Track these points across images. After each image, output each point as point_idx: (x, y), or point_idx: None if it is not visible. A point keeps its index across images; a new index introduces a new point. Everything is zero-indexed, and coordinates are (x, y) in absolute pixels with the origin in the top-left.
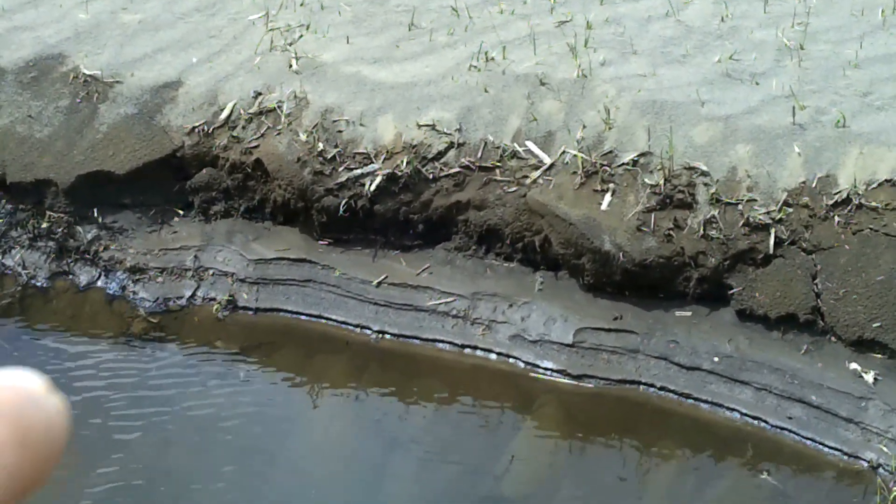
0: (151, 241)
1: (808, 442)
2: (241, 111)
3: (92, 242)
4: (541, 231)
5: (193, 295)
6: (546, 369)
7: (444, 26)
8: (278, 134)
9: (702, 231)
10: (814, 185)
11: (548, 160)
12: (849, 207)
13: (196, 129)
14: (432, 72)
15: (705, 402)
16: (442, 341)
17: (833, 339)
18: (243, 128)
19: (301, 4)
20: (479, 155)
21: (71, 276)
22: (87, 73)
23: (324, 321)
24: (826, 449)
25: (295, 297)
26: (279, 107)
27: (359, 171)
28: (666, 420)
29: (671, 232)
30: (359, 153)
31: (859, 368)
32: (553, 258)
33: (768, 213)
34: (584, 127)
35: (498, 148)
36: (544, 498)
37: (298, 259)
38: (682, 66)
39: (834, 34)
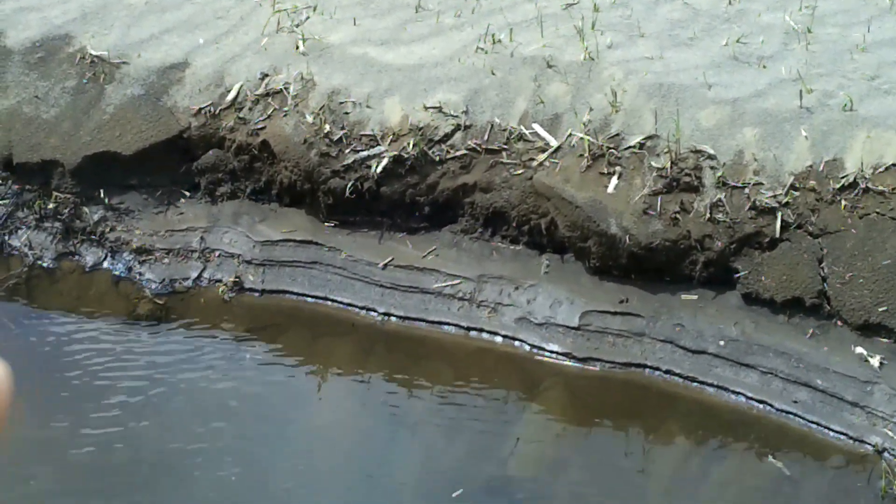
0: (158, 222)
1: (814, 426)
2: (248, 92)
3: (98, 223)
4: (547, 214)
5: (199, 276)
6: (552, 352)
7: (451, 8)
8: (285, 115)
9: (708, 214)
10: (821, 168)
11: (554, 143)
12: (855, 191)
13: (203, 111)
14: (439, 54)
15: (711, 385)
16: (448, 324)
17: (839, 323)
18: (250, 109)
19: None
20: (486, 137)
21: (77, 257)
22: (94, 53)
23: (330, 303)
24: (831, 433)
25: (301, 278)
26: (286, 88)
27: (365, 153)
28: (671, 403)
29: (677, 215)
30: (365, 135)
31: (865, 352)
32: (559, 241)
33: (775, 196)
34: (591, 110)
35: (504, 130)
36: (550, 480)
37: (305, 241)
38: (689, 49)
39: (842, 17)
